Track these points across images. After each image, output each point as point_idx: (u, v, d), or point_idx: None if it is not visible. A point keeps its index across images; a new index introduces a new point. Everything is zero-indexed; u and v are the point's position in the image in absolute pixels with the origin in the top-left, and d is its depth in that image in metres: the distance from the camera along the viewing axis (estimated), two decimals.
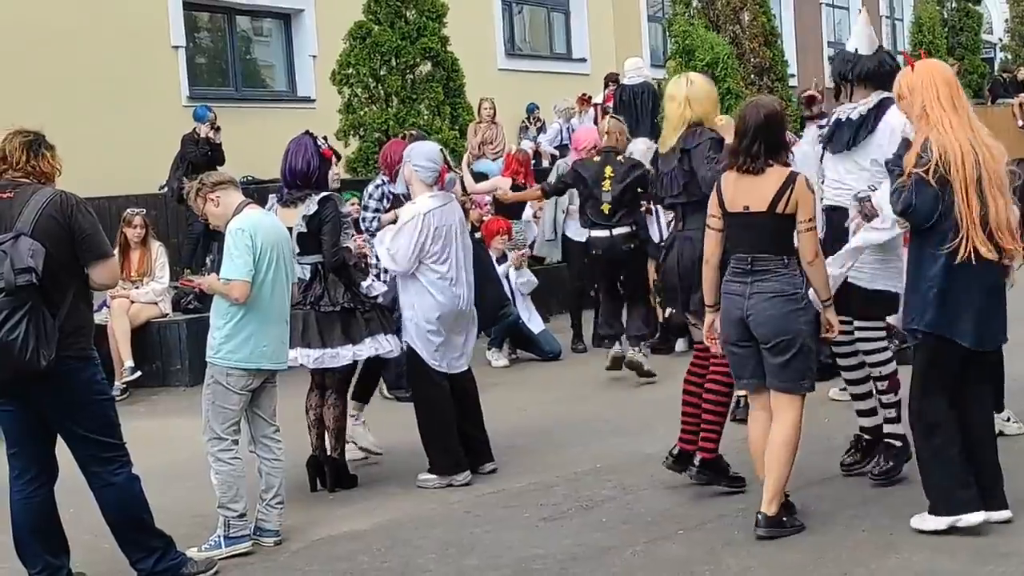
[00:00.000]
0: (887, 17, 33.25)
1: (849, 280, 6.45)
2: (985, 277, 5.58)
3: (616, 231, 9.84)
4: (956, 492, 5.60)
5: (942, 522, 5.60)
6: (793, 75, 23.40)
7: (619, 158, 9.97)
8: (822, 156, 6.76)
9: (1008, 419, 7.43)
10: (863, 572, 5.37)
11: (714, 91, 6.90)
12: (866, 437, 6.89)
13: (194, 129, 13.36)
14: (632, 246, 9.89)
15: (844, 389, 8.39)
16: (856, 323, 6.64)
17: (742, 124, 5.90)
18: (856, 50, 6.67)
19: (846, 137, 6.56)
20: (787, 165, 5.89)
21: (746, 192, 5.83)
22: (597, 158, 10.12)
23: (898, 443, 6.68)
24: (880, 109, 6.52)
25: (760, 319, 5.79)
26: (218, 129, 13.35)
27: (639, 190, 9.78)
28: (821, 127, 6.87)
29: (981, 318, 5.59)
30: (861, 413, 6.91)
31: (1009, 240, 5.56)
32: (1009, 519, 5.70)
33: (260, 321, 6.16)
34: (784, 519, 5.85)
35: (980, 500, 5.61)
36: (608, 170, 9.83)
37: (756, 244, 5.82)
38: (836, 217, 6.66)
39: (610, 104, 17.01)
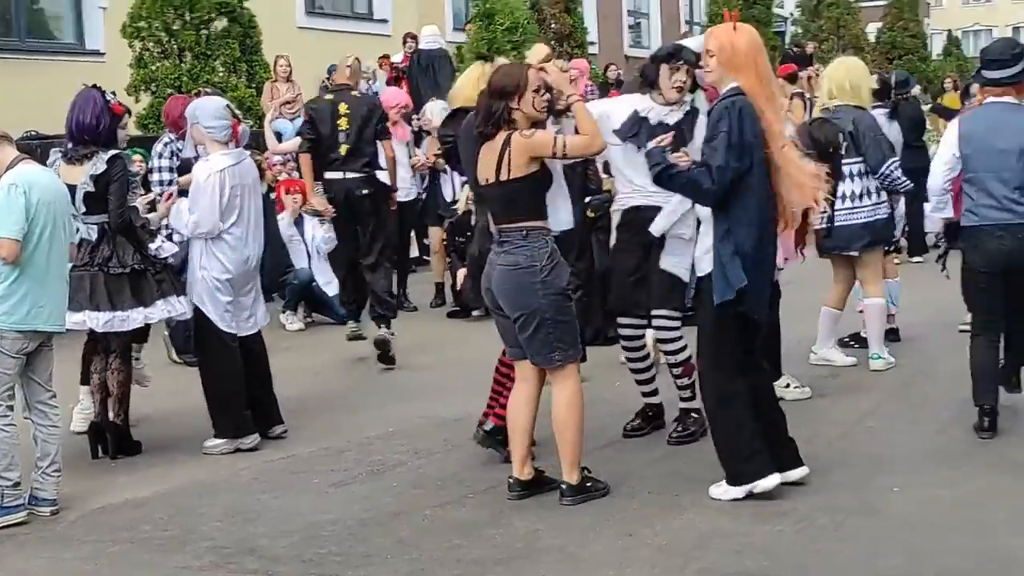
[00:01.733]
0: None
1: (664, 268, 6.57)
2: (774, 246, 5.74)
3: (350, 174, 9.30)
4: (750, 462, 5.69)
5: (740, 491, 5.71)
6: (593, 42, 23.65)
7: (354, 94, 9.57)
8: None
9: (787, 385, 7.63)
10: (648, 533, 5.45)
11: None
12: (650, 411, 7.07)
13: None
14: (367, 192, 9.34)
15: None
16: (654, 311, 6.70)
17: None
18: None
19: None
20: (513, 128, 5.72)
21: (485, 163, 5.77)
22: (330, 96, 9.67)
23: (695, 415, 6.82)
24: (694, 113, 6.55)
25: (500, 292, 5.75)
26: None
27: (378, 128, 9.37)
28: None
29: (764, 288, 5.72)
30: (646, 394, 7.06)
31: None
32: (805, 475, 5.86)
33: (36, 281, 5.89)
34: (588, 484, 5.89)
35: (773, 463, 5.73)
36: (343, 107, 9.36)
37: (500, 214, 5.78)
38: (640, 216, 6.63)
39: (406, 64, 17.10)
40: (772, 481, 5.69)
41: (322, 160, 9.33)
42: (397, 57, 18.07)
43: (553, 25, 19.51)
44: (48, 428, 6.04)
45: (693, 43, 6.78)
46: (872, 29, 38.07)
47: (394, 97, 12.17)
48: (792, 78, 15.94)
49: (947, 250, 7.47)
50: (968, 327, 9.30)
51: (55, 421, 6.09)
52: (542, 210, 5.77)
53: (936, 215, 6.99)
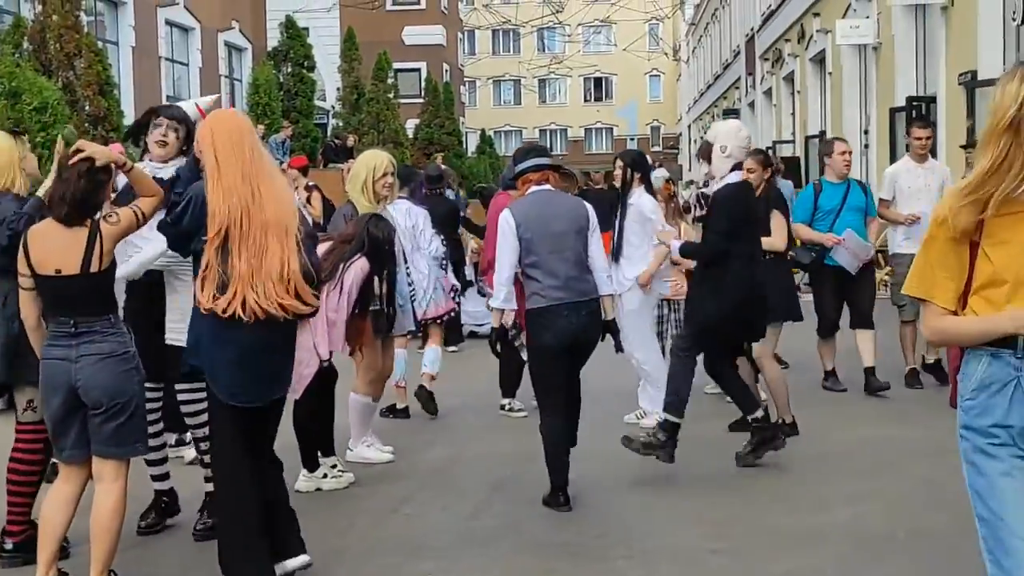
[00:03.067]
0: (226, 77, 33.82)
1: (169, 342, 6.32)
2: (247, 334, 5.35)
3: None
4: (249, 562, 5.46)
5: None
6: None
7: None
8: None
9: (325, 475, 7.59)
10: None
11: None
12: (164, 499, 6.82)
13: None
14: None
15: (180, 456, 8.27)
16: (178, 386, 6.49)
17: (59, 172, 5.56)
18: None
19: None
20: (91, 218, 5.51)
21: (58, 252, 5.43)
22: None
23: None
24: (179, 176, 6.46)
25: (93, 384, 5.40)
26: None
27: None
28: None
29: (239, 373, 5.42)
30: (155, 478, 6.81)
31: (282, 293, 5.33)
32: (308, 563, 5.70)
33: None
34: None
35: (272, 568, 5.54)
36: None
37: (81, 306, 5.44)
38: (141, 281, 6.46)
39: None
40: None
41: None
42: None
43: (87, 107, 18.82)
44: None
45: (185, 105, 6.87)
46: (411, 125, 39.48)
47: None
48: (304, 170, 16.58)
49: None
50: (511, 411, 9.74)
51: None
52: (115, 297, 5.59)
53: (507, 307, 7.19)
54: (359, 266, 7.34)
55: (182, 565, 6.20)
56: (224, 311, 5.25)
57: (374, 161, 8.24)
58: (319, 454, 7.64)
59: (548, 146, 51.86)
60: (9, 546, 6.16)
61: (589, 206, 7.32)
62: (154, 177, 6.19)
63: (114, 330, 5.49)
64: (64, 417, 5.52)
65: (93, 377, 5.42)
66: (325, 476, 7.58)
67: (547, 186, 7.20)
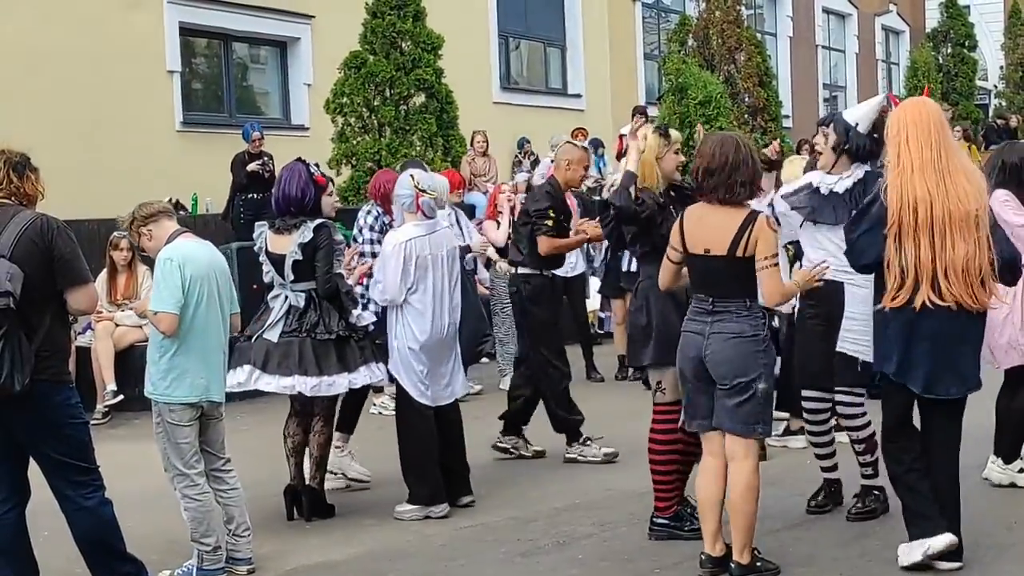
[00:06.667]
0: (883, 61, 33.47)
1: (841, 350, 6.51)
2: (940, 324, 5.51)
3: None
4: (926, 519, 5.70)
5: (915, 546, 5.70)
6: (787, 116, 23.53)
7: None
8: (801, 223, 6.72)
9: (1021, 470, 7.28)
10: None
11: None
12: (832, 487, 6.97)
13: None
14: None
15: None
16: (836, 388, 6.66)
17: (713, 160, 5.75)
18: (856, 125, 6.60)
19: (838, 211, 6.48)
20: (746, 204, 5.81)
21: (708, 233, 5.72)
22: None
23: (876, 492, 6.74)
24: (867, 183, 6.42)
25: (720, 360, 5.68)
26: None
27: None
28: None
29: (934, 365, 5.55)
30: (824, 469, 6.98)
31: (962, 287, 5.47)
32: (959, 567, 5.68)
33: (195, 354, 5.97)
34: (758, 564, 5.78)
35: (942, 524, 5.67)
36: None
37: (722, 286, 5.72)
38: (830, 289, 6.51)
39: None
40: (943, 540, 5.62)
41: None
42: (625, 129, 18.67)
43: (747, 99, 19.43)
44: (228, 492, 6.17)
45: (857, 112, 6.77)
46: None
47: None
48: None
49: None
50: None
51: (233, 484, 6.21)
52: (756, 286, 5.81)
53: None
54: None
55: (840, 546, 6.30)
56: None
57: None
58: None
59: None
60: (661, 521, 6.52)
61: None
62: (831, 192, 6.56)
63: (748, 313, 5.69)
64: (691, 389, 5.82)
65: (720, 355, 5.68)
66: (1022, 471, 7.30)
67: None
